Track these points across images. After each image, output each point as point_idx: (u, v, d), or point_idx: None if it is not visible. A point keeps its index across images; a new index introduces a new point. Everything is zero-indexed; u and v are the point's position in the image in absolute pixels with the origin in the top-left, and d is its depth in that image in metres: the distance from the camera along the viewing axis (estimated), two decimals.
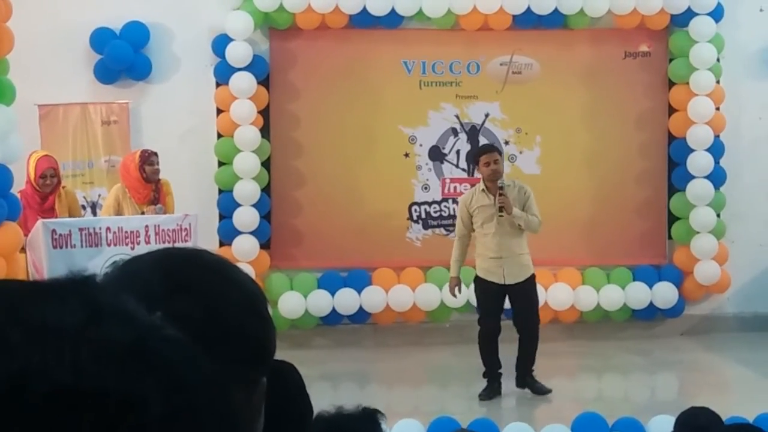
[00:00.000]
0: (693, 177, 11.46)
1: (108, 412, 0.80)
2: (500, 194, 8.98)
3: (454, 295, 9.46)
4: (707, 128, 11.39)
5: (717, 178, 11.48)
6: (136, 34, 11.13)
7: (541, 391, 9.20)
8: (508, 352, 9.22)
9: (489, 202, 9.08)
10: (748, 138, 11.77)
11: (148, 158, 9.40)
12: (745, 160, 11.75)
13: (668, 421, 5.99)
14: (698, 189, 11.45)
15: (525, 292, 9.20)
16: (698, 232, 11.52)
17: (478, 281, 9.27)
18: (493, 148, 9.37)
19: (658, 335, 11.59)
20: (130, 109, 11.18)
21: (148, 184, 9.34)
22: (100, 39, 11.05)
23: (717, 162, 11.48)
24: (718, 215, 11.56)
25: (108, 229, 8.66)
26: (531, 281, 9.25)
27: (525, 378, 9.23)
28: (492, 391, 9.22)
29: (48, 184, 9.17)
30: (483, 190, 9.15)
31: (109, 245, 8.56)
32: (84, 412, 0.79)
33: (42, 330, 0.82)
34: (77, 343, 0.82)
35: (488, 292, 9.18)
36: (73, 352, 0.81)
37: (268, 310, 1.47)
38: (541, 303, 11.32)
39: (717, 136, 11.47)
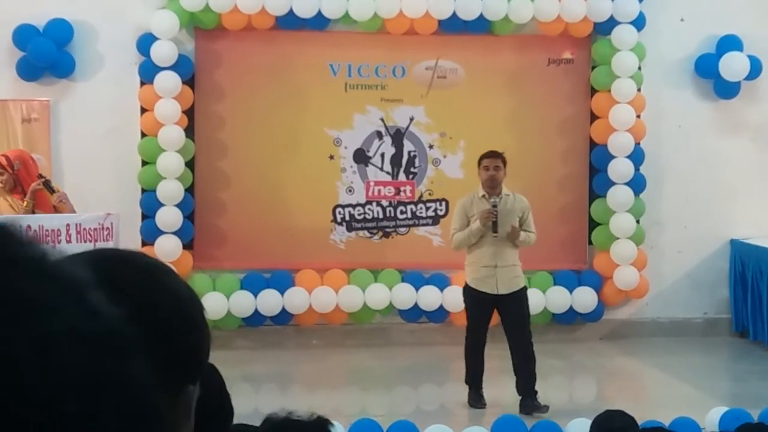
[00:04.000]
0: (613, 183, 11.60)
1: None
2: (490, 212, 8.78)
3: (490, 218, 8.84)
4: (628, 135, 11.53)
5: (637, 184, 11.63)
6: (60, 32, 11.01)
7: (540, 410, 8.65)
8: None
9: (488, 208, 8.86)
10: (668, 146, 11.93)
11: None
12: (664, 167, 11.91)
13: (585, 424, 6.07)
14: (618, 195, 11.59)
15: (518, 303, 8.90)
16: (618, 238, 11.66)
17: (469, 291, 8.97)
18: (496, 154, 9.02)
19: (578, 339, 11.70)
20: (51, 107, 11.08)
21: None
22: (23, 36, 10.92)
23: (637, 169, 11.63)
24: (638, 221, 11.71)
25: (28, 227, 8.54)
26: (524, 293, 8.98)
27: (532, 402, 8.70)
28: (478, 397, 8.96)
29: None
30: (483, 196, 8.94)
31: None
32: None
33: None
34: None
35: (479, 302, 8.89)
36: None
37: (203, 317, 1.43)
38: (462, 306, 11.46)
39: (637, 144, 11.62)
